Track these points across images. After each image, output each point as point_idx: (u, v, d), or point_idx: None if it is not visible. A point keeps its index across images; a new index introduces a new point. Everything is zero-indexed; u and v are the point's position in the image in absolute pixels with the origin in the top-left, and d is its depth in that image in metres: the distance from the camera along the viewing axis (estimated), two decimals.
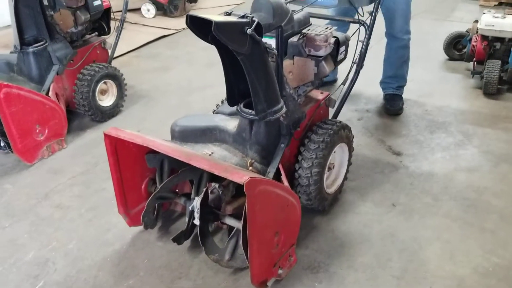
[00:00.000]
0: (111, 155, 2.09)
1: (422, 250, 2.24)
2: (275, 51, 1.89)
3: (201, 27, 1.79)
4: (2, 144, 3.00)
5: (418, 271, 2.12)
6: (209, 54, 4.58)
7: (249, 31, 1.72)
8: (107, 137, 2.05)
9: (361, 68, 2.58)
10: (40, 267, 2.18)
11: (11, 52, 3.24)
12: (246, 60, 1.81)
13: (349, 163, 2.56)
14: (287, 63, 2.31)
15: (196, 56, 4.62)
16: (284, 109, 2.07)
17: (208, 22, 1.64)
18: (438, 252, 2.23)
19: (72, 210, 2.55)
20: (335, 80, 3.74)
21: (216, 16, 1.71)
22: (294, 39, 2.26)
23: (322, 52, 2.26)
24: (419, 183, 2.69)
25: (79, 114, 3.39)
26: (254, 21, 1.74)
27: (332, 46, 2.30)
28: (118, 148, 2.10)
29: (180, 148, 2.11)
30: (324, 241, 2.30)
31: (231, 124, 2.24)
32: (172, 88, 3.97)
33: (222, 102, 2.53)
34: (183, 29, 5.32)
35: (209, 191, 2.09)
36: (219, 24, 1.64)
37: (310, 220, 2.40)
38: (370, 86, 3.64)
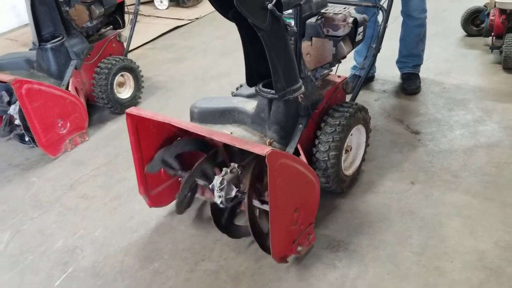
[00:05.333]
0: (133, 134, 2.14)
1: (442, 227, 2.24)
2: (295, 28, 1.91)
3: (222, 3, 1.82)
4: (27, 139, 3.09)
5: (438, 247, 2.13)
6: (224, 44, 4.63)
7: (269, 6, 1.75)
8: (128, 116, 2.10)
9: (379, 51, 2.58)
10: (69, 255, 2.27)
11: (30, 49, 3.32)
12: (266, 36, 1.83)
13: (367, 145, 2.57)
14: (304, 45, 2.32)
15: (211, 45, 4.64)
16: (303, 88, 2.10)
17: None
18: (459, 228, 2.23)
19: (96, 200, 2.62)
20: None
21: None
22: (312, 20, 2.27)
23: (340, 32, 2.27)
24: (438, 160, 2.67)
25: (99, 107, 3.46)
26: None
27: (350, 26, 2.30)
28: (139, 128, 2.15)
29: (200, 126, 2.14)
30: (343, 221, 2.32)
31: (249, 105, 2.27)
32: (188, 78, 4.01)
33: (240, 86, 2.55)
34: (197, 18, 5.35)
35: (228, 170, 2.13)
36: None
37: (328, 200, 2.42)
38: (386, 66, 3.62)
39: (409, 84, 3.39)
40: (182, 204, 2.34)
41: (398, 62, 3.53)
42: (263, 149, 1.77)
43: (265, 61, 2.00)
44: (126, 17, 3.66)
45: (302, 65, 2.18)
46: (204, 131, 2.04)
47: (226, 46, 4.55)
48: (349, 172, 2.48)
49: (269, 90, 2.13)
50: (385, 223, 2.28)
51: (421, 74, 3.50)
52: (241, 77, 2.56)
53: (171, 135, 2.32)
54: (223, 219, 2.24)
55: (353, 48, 2.44)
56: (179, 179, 2.40)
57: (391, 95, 3.39)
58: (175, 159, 2.25)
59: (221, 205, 2.19)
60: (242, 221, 2.31)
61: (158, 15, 5.55)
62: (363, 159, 2.57)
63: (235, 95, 2.49)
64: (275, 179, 1.80)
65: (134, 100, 3.56)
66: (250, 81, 2.25)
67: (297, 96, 2.16)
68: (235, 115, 2.33)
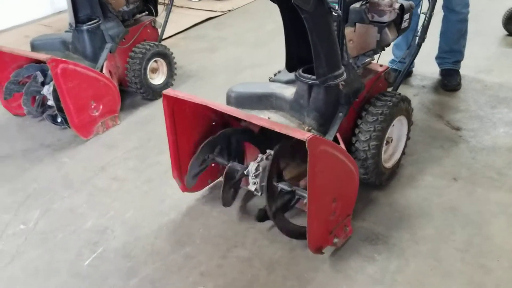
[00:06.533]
0: (168, 116, 2.10)
1: (487, 224, 2.13)
2: (339, 11, 1.84)
3: None
4: (59, 120, 3.08)
5: (483, 245, 2.03)
6: (257, 35, 4.58)
7: None
8: (165, 97, 2.06)
9: (423, 41, 2.49)
10: (99, 235, 2.23)
11: (66, 31, 3.32)
12: (310, 18, 1.77)
13: (408, 138, 2.47)
14: (347, 31, 2.25)
15: (244, 36, 4.59)
16: (345, 75, 2.03)
17: None
18: (504, 226, 2.12)
19: (128, 182, 2.59)
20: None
21: None
22: (357, 5, 2.20)
23: (386, 18, 2.19)
24: (482, 157, 2.56)
25: (131, 93, 3.44)
26: None
27: (396, 12, 2.22)
28: (175, 111, 2.11)
29: (237, 109, 2.09)
30: (382, 214, 2.23)
31: (288, 92, 2.20)
32: (220, 68, 3.97)
33: (278, 72, 2.49)
34: (229, 11, 5.31)
35: (264, 157, 2.07)
36: None
37: (366, 193, 2.33)
38: (424, 62, 3.50)
39: (450, 80, 3.28)
40: (229, 195, 2.26)
41: (437, 58, 3.42)
42: (303, 134, 1.70)
43: (306, 46, 1.94)
44: (160, 8, 3.65)
45: (345, 51, 2.10)
46: (242, 114, 1.99)
47: (259, 37, 4.50)
48: (388, 164, 2.39)
49: (309, 76, 2.07)
50: (426, 218, 2.19)
51: (460, 71, 3.38)
52: (275, 68, 2.54)
53: (207, 119, 2.27)
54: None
55: (398, 36, 2.34)
56: (213, 165, 2.35)
57: (430, 91, 3.28)
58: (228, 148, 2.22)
59: (255, 193, 2.13)
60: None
61: (190, 6, 5.53)
62: (403, 153, 2.47)
63: (272, 81, 2.42)
64: (315, 166, 1.73)
65: (166, 87, 3.52)
66: (290, 66, 2.19)
67: (338, 83, 2.08)
68: (272, 101, 2.26)
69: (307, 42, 1.91)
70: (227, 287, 1.91)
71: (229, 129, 2.26)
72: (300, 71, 2.11)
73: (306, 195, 1.81)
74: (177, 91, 2.09)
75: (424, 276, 1.90)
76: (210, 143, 2.19)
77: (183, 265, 2.03)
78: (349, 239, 2.08)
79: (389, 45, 2.35)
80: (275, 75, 2.51)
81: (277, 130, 1.82)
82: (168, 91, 2.08)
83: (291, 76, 2.30)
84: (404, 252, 2.01)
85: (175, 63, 3.60)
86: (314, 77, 2.00)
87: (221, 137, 2.22)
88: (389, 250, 2.03)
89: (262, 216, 2.10)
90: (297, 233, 2.03)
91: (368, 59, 2.39)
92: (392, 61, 3.34)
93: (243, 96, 2.27)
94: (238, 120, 2.29)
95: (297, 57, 2.10)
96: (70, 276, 2.02)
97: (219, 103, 2.05)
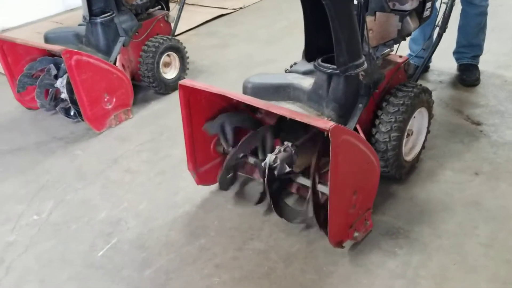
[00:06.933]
0: (184, 107, 2.06)
1: (511, 219, 2.06)
2: None
3: None
4: (72, 113, 3.06)
5: (508, 240, 1.96)
6: (269, 32, 4.54)
7: None
8: (181, 87, 2.02)
9: (444, 31, 2.43)
10: (113, 226, 2.19)
11: (79, 25, 3.30)
12: (331, 5, 1.72)
13: (428, 131, 2.41)
14: (367, 20, 2.18)
15: (256, 33, 4.55)
16: (366, 65, 1.97)
17: None
18: None
19: (141, 174, 2.55)
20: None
21: None
22: None
23: (407, 6, 2.13)
24: (504, 152, 2.49)
25: (143, 88, 3.41)
26: None
27: (418, 0, 2.16)
28: (191, 102, 2.07)
29: (256, 98, 2.05)
30: (402, 208, 2.17)
31: (305, 82, 2.15)
32: (232, 64, 3.93)
33: (294, 63, 2.44)
34: (240, 8, 5.28)
35: (282, 149, 2.02)
36: None
37: (386, 187, 2.27)
38: (441, 57, 3.42)
39: (468, 75, 3.21)
40: (226, 180, 2.24)
41: (455, 52, 3.35)
42: (325, 123, 1.65)
43: (325, 35, 1.89)
44: (171, 6, 3.63)
45: (365, 41, 2.05)
46: (261, 103, 1.94)
47: (271, 34, 4.45)
48: (408, 158, 2.33)
49: (329, 65, 2.02)
50: (448, 213, 2.12)
51: (479, 67, 3.30)
52: (288, 64, 2.50)
53: (222, 109, 2.22)
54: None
55: (419, 25, 2.29)
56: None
57: (448, 86, 3.22)
58: (232, 131, 2.16)
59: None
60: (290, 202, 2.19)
61: (201, 4, 5.50)
62: (423, 147, 2.41)
63: (289, 72, 2.38)
64: (337, 156, 1.68)
65: (179, 81, 3.47)
66: (309, 56, 2.14)
67: (359, 74, 2.03)
68: (290, 91, 2.22)
69: (326, 31, 1.86)
70: (243, 279, 1.86)
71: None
72: (319, 60, 2.06)
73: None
74: (194, 81, 2.06)
75: (447, 271, 1.84)
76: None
77: (198, 257, 1.98)
78: (369, 233, 2.03)
79: (410, 34, 2.29)
80: (291, 66, 2.47)
81: (298, 119, 1.77)
82: (184, 81, 2.04)
83: (308, 67, 2.25)
84: (427, 247, 1.95)
85: (188, 57, 3.57)
86: (334, 66, 1.96)
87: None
88: (411, 244, 1.97)
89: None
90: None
91: (388, 50, 2.33)
92: (409, 56, 3.27)
93: (260, 87, 2.23)
94: (253, 111, 2.25)
95: (316, 46, 2.05)
96: (83, 267, 1.98)
97: (236, 93, 2.00)
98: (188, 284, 1.86)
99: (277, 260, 1.94)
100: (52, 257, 2.05)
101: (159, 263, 1.97)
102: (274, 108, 1.89)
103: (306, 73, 2.23)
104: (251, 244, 2.03)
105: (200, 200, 2.32)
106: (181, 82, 2.04)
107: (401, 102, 2.12)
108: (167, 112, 3.18)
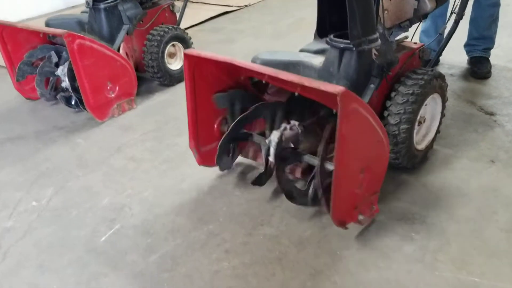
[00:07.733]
0: (189, 79, 1.98)
1: None
2: None
3: None
4: (74, 102, 2.98)
5: None
6: (275, 27, 4.49)
7: None
8: (186, 57, 1.94)
9: (461, 18, 2.36)
10: (116, 212, 2.10)
11: (82, 12, 3.24)
12: None
13: (443, 115, 2.33)
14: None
15: (262, 29, 4.50)
16: (379, 41, 1.90)
17: None
18: None
19: (145, 162, 2.47)
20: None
21: None
22: None
23: None
24: None
25: (147, 79, 3.34)
26: None
27: None
28: (196, 75, 1.99)
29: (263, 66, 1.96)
30: (417, 195, 2.08)
31: (316, 60, 2.08)
32: (239, 58, 3.84)
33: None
34: (246, 6, 5.23)
35: (288, 127, 1.94)
36: None
37: (398, 174, 2.19)
38: (451, 51, 3.34)
39: (480, 68, 3.14)
40: (224, 158, 2.15)
41: (466, 45, 3.29)
42: (335, 88, 1.53)
43: (338, 11, 1.82)
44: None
45: (379, 22, 1.99)
46: (269, 70, 1.83)
47: (278, 29, 4.40)
48: (421, 146, 2.24)
49: (341, 40, 1.94)
50: (465, 199, 2.04)
51: (490, 60, 3.24)
52: None
53: (228, 87, 2.14)
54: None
55: (437, 6, 2.22)
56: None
57: (460, 79, 3.15)
58: (241, 110, 2.08)
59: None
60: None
61: (206, 1, 5.46)
62: (437, 131, 2.33)
63: (301, 51, 2.30)
64: (345, 125, 1.56)
65: (183, 72, 3.41)
66: (321, 32, 2.08)
67: (372, 53, 1.96)
68: (299, 69, 2.14)
69: (339, 7, 1.79)
70: (254, 263, 1.77)
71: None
72: (332, 36, 1.99)
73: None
74: (200, 51, 1.97)
75: (468, 255, 1.75)
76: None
77: (206, 242, 1.89)
78: (383, 219, 1.94)
79: (426, 16, 2.22)
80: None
81: (306, 84, 1.65)
82: (190, 51, 1.97)
83: (319, 46, 2.18)
84: (445, 232, 1.86)
85: (194, 48, 3.50)
86: (347, 41, 1.88)
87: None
88: (428, 229, 1.88)
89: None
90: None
91: (403, 35, 2.26)
92: None
93: (269, 64, 2.14)
94: (259, 90, 2.17)
95: (329, 22, 1.98)
96: (85, 252, 1.89)
97: (244, 61, 1.92)
98: (196, 269, 1.77)
99: (289, 245, 1.85)
100: (51, 243, 1.96)
101: (165, 248, 1.88)
102: (283, 75, 1.76)
103: (317, 52, 2.16)
104: (262, 230, 1.94)
105: (207, 187, 2.23)
106: (186, 51, 1.97)
107: (411, 91, 2.02)
108: (172, 103, 3.11)
